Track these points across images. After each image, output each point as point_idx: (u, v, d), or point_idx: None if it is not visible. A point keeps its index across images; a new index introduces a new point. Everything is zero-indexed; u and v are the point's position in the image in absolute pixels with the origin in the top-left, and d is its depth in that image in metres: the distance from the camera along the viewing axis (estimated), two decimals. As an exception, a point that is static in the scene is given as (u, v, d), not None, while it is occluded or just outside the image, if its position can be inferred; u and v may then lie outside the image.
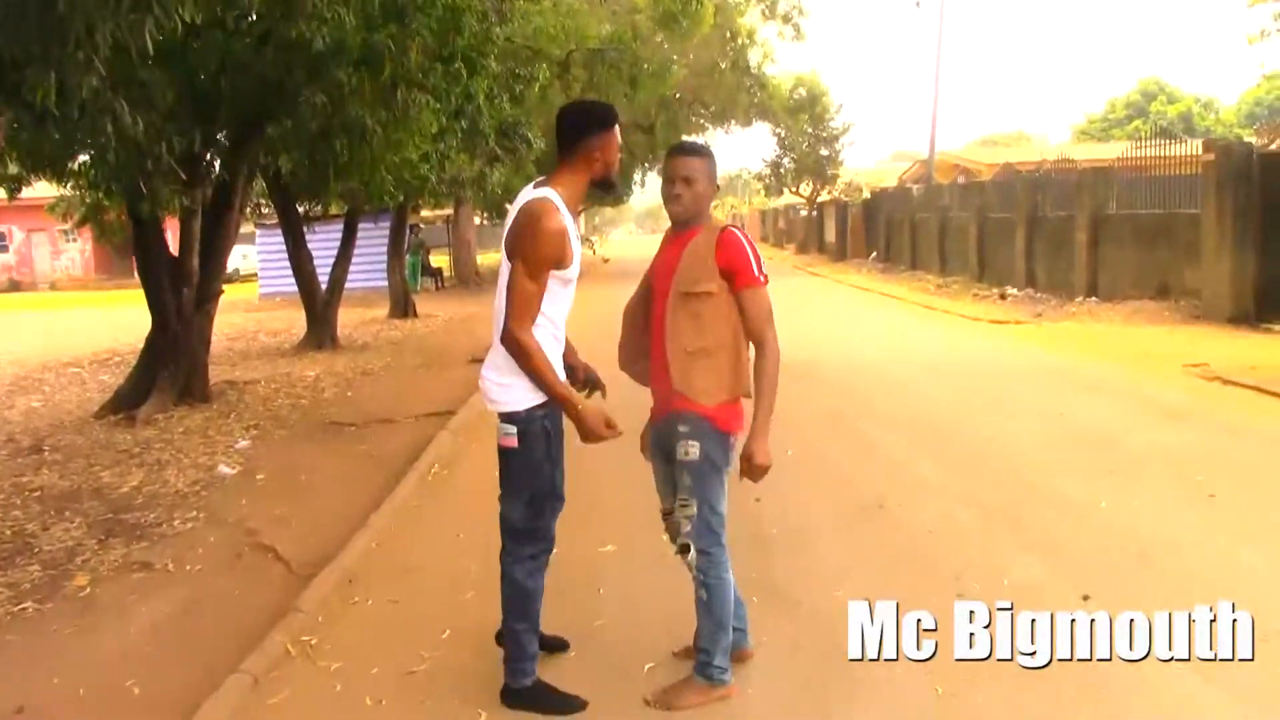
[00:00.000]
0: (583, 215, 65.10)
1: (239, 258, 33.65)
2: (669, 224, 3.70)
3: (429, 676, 3.90)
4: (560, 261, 3.34)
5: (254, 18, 7.37)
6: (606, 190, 3.59)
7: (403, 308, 19.41)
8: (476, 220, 30.80)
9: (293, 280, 15.66)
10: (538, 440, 3.43)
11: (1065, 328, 14.76)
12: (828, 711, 3.54)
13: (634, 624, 4.29)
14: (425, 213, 28.67)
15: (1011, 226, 20.61)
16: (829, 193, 42.48)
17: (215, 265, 9.93)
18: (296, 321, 16.59)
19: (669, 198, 3.54)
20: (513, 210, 3.45)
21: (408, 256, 22.41)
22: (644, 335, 3.67)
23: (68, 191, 11.45)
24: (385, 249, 20.22)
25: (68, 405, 10.52)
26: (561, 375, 3.43)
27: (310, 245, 15.51)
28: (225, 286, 10.79)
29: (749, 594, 4.03)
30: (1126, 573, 4.71)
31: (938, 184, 30.39)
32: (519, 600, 3.55)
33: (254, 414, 9.46)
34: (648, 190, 46.96)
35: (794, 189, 44.43)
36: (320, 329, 14.90)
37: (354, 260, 16.72)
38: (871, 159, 70.46)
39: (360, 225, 16.82)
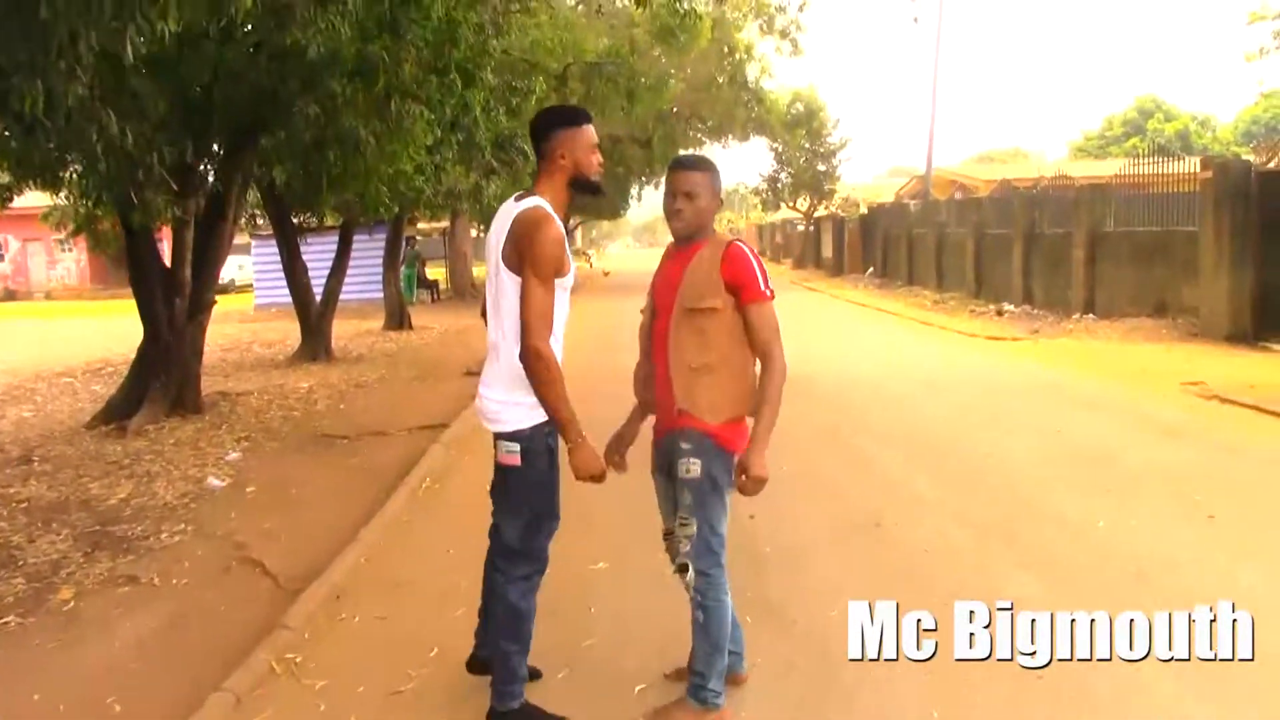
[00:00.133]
0: (579, 229, 65.22)
1: (235, 268, 33.63)
2: (668, 238, 3.65)
3: (415, 696, 3.84)
4: (561, 268, 3.28)
5: (249, 28, 7.34)
6: (587, 191, 3.47)
7: (398, 319, 19.36)
8: (473, 233, 30.76)
9: (288, 291, 15.61)
10: (540, 458, 3.37)
11: (1062, 344, 14.73)
12: (822, 734, 3.48)
13: (625, 644, 4.22)
14: (421, 225, 28.65)
15: (1009, 243, 20.60)
16: (826, 208, 42.58)
17: (208, 276, 9.87)
18: (291, 333, 16.53)
19: (670, 213, 3.48)
20: (500, 223, 3.37)
21: (403, 268, 22.38)
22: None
23: (61, 201, 11.39)
24: (381, 260, 20.19)
25: (59, 415, 10.45)
26: None
27: (306, 256, 15.44)
28: (221, 297, 10.74)
29: (743, 613, 3.96)
30: (1124, 592, 4.65)
31: (935, 200, 30.42)
32: (512, 621, 3.48)
33: (246, 426, 9.39)
34: (645, 204, 47.04)
35: (791, 204, 44.51)
36: (314, 340, 14.83)
37: (349, 272, 16.66)
38: (869, 174, 70.70)
39: (356, 237, 16.79)
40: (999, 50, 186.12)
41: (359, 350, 16.12)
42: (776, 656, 4.03)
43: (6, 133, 5.67)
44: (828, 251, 38.49)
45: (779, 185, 43.21)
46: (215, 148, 9.34)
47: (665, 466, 3.55)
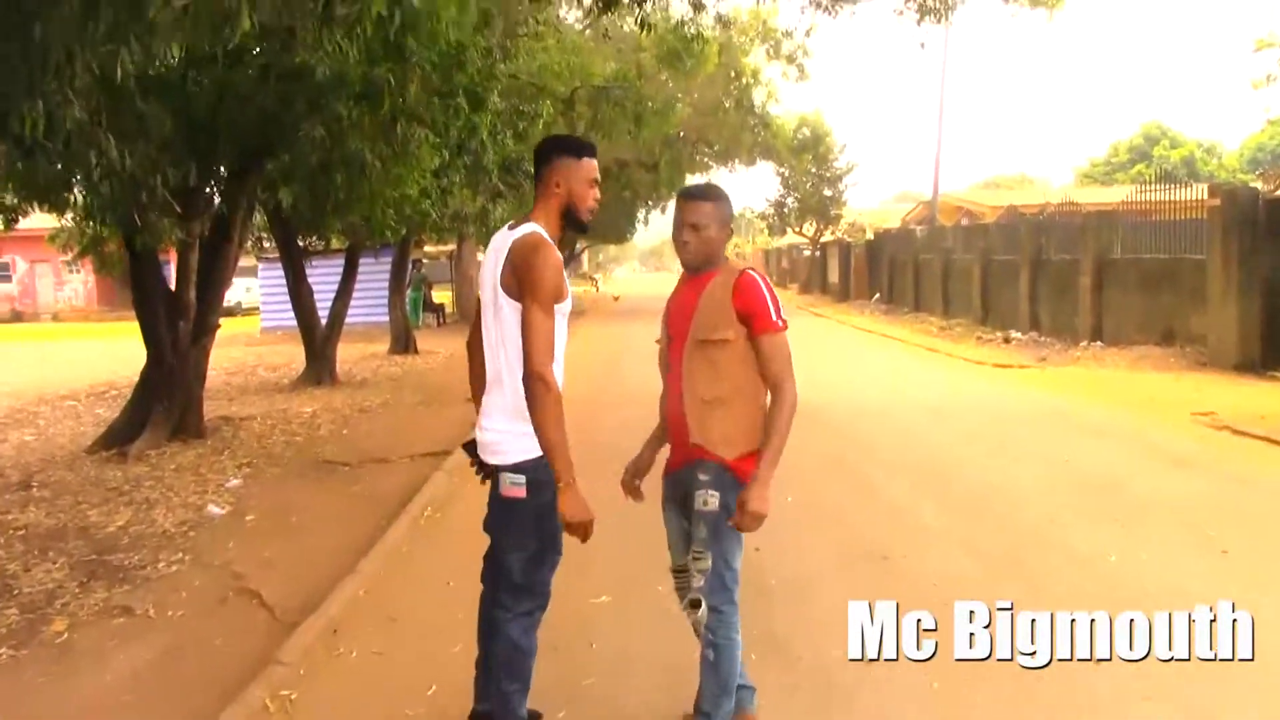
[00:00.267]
0: (585, 253, 65.30)
1: (242, 291, 33.72)
2: (675, 263, 3.59)
3: (412, 736, 3.75)
4: (560, 294, 3.22)
5: (256, 50, 7.33)
6: (574, 227, 3.40)
7: (404, 343, 19.32)
8: (479, 256, 30.77)
9: (294, 314, 15.58)
10: (545, 489, 3.26)
11: (1070, 372, 14.64)
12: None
13: (627, 682, 4.14)
14: (428, 248, 28.69)
15: (1015, 269, 20.55)
16: (832, 233, 42.56)
17: (212, 299, 9.82)
18: (297, 356, 16.47)
19: (678, 245, 3.44)
20: (496, 253, 3.32)
21: (409, 292, 22.35)
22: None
23: (67, 222, 11.39)
24: (387, 284, 20.17)
25: (61, 439, 10.39)
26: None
27: (312, 279, 15.42)
28: (227, 319, 10.70)
29: (747, 648, 3.85)
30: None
31: (941, 225, 30.42)
32: (513, 659, 3.39)
33: (248, 451, 9.33)
34: (651, 228, 47.10)
35: (797, 229, 44.55)
36: (319, 364, 14.78)
37: (356, 295, 16.63)
38: (875, 199, 70.64)
39: (362, 260, 16.76)
40: (1005, 76, 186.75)
41: (364, 374, 16.07)
42: (782, 692, 3.94)
43: (8, 155, 5.62)
44: (834, 277, 38.48)
45: (785, 210, 43.27)
46: (220, 170, 9.31)
47: (680, 499, 3.47)
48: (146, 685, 4.29)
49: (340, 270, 16.26)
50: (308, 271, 15.22)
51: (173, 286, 9.81)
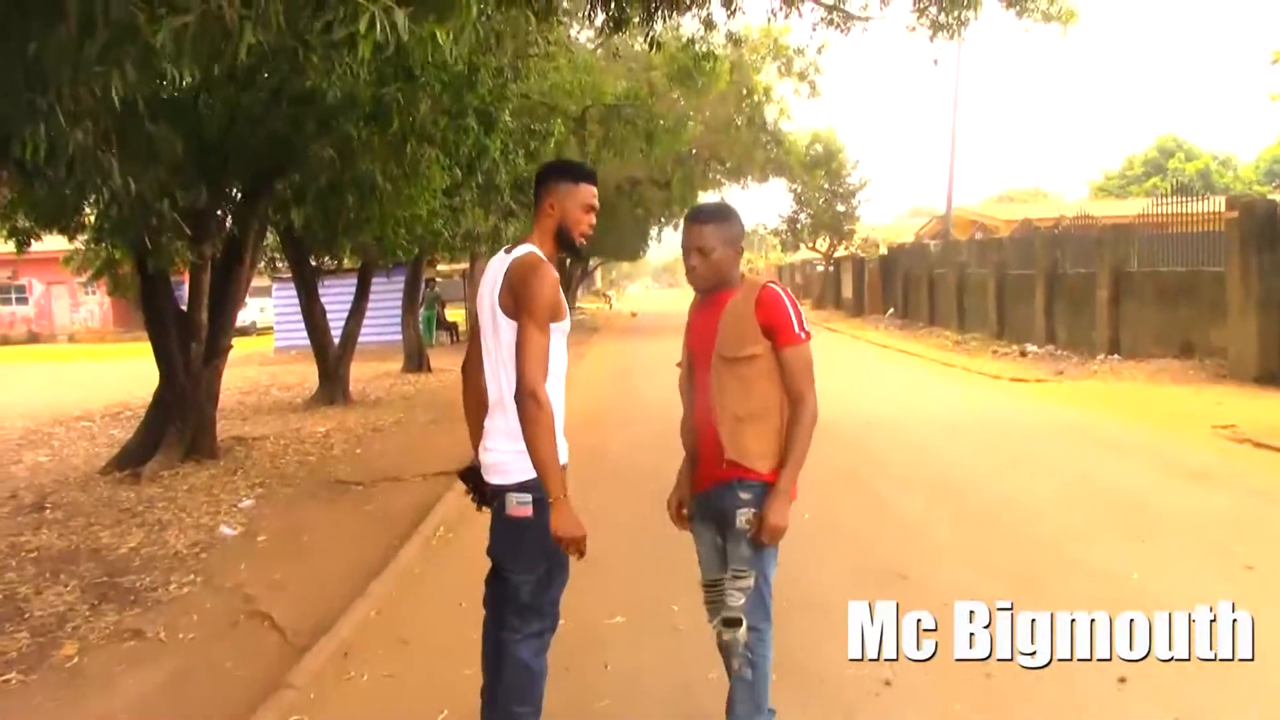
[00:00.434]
0: (599, 270, 65.38)
1: (256, 310, 33.86)
2: (685, 280, 3.56)
3: (423, 761, 3.69)
4: (557, 313, 3.22)
5: (267, 74, 7.34)
6: (566, 249, 3.39)
7: (417, 362, 19.34)
8: (493, 275, 30.76)
9: (307, 334, 15.60)
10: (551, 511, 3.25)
11: (1088, 386, 14.52)
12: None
13: (641, 704, 4.07)
14: (441, 266, 28.70)
15: (1031, 283, 20.45)
16: (846, 248, 42.47)
17: (225, 320, 9.83)
18: (310, 376, 16.48)
19: (687, 270, 3.42)
20: (493, 275, 3.31)
21: (423, 310, 22.39)
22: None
23: (81, 245, 11.44)
24: (400, 303, 20.19)
25: (75, 460, 10.41)
26: (562, 444, 3.24)
27: (325, 299, 15.46)
28: (242, 339, 10.71)
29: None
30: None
31: (955, 240, 30.33)
32: (523, 682, 3.33)
33: (260, 471, 9.31)
34: (665, 245, 47.13)
35: (811, 244, 44.47)
36: (332, 384, 14.79)
37: (369, 314, 16.65)
38: (888, 215, 70.54)
39: (375, 279, 16.79)
40: (1018, 90, 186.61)
41: (377, 393, 16.06)
42: (802, 714, 3.87)
43: (14, 181, 5.63)
44: (848, 292, 38.42)
45: (798, 226, 43.18)
46: (231, 192, 9.33)
47: (712, 517, 3.43)
48: (155, 710, 4.25)
49: (353, 289, 16.28)
50: (320, 291, 15.25)
51: (185, 308, 9.82)
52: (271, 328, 27.71)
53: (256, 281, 30.55)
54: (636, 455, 4.23)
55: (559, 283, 3.24)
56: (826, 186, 40.82)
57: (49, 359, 27.55)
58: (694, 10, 11.93)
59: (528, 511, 3.23)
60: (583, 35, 18.86)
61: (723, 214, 3.42)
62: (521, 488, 3.23)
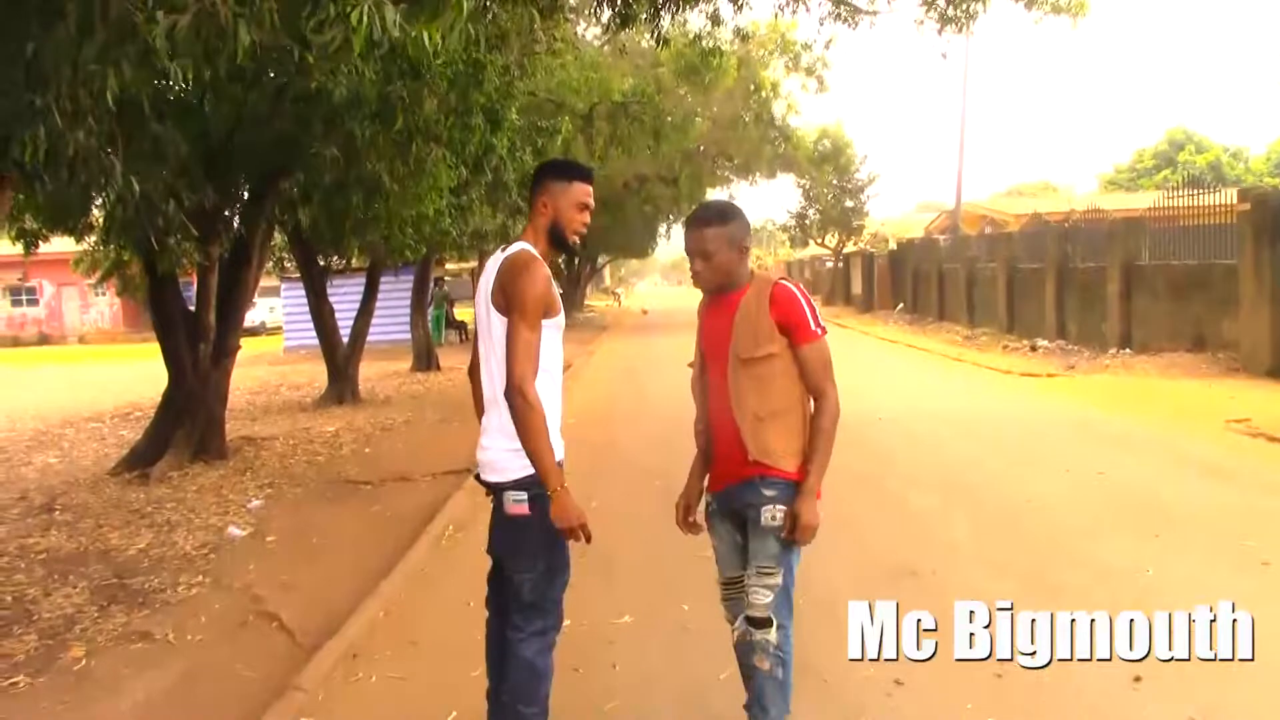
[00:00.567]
0: (607, 267, 65.34)
1: (266, 310, 33.92)
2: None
3: (431, 763, 3.67)
4: (549, 309, 3.22)
5: (272, 74, 7.32)
6: (559, 247, 3.38)
7: (425, 361, 19.34)
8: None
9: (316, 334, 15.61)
10: (550, 504, 3.21)
11: (1099, 381, 14.44)
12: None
13: (651, 704, 4.04)
14: (450, 265, 28.74)
15: (1041, 277, 20.35)
16: (855, 244, 42.39)
17: (233, 320, 9.83)
18: (320, 375, 16.49)
19: (692, 274, 3.40)
20: (489, 273, 3.32)
21: (431, 309, 22.38)
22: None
23: (90, 246, 11.45)
24: (409, 302, 20.20)
25: (84, 461, 10.41)
26: (558, 442, 3.24)
27: (334, 298, 15.45)
28: (252, 339, 10.72)
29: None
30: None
31: (965, 235, 30.21)
32: (528, 681, 3.32)
33: (269, 471, 9.30)
34: (673, 242, 47.05)
35: (819, 240, 44.38)
36: (341, 383, 14.79)
37: (378, 313, 16.66)
38: (897, 210, 70.47)
39: (383, 278, 16.79)
40: (1027, 83, 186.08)
41: (386, 392, 16.07)
42: (813, 716, 3.83)
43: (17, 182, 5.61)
44: (857, 288, 38.31)
45: (807, 222, 43.10)
46: (239, 192, 9.32)
47: (731, 514, 3.41)
48: (161, 714, 4.23)
49: (361, 289, 16.29)
50: (329, 291, 15.25)
51: (193, 308, 9.82)
52: (281, 327, 27.76)
53: (266, 281, 30.60)
54: (645, 453, 4.21)
55: (550, 279, 3.23)
56: (835, 182, 40.73)
57: (60, 360, 27.64)
58: (701, 6, 11.90)
59: (524, 509, 3.24)
60: (589, 32, 18.84)
61: (722, 215, 3.36)
62: (517, 485, 3.24)
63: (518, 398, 3.10)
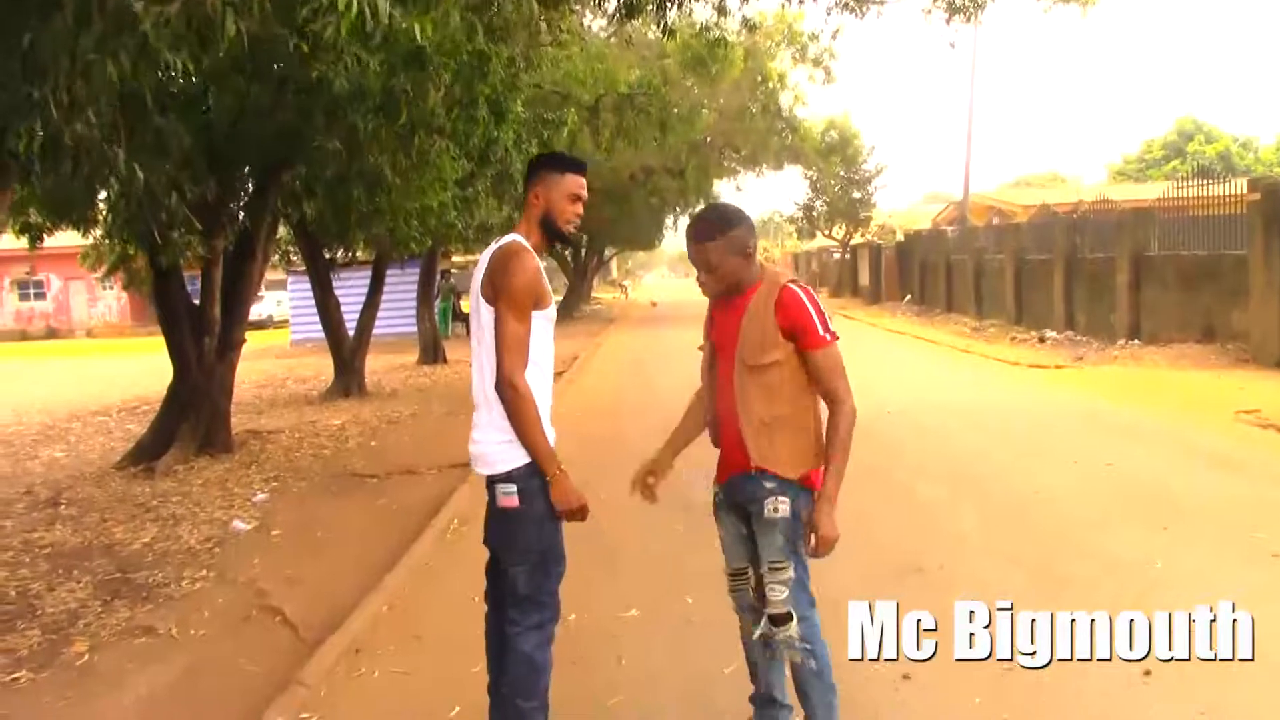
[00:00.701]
0: (614, 260, 65.26)
1: (273, 304, 33.94)
2: None
3: (434, 759, 3.64)
4: (540, 301, 3.21)
5: (277, 65, 7.28)
6: (554, 238, 3.38)
7: (432, 354, 19.33)
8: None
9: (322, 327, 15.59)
10: (539, 496, 3.23)
11: (1108, 372, 14.37)
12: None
13: (656, 701, 4.01)
14: (456, 258, 28.71)
15: (1049, 268, 20.26)
16: (862, 235, 42.27)
17: (237, 314, 9.81)
18: (326, 368, 16.49)
19: (698, 283, 3.36)
20: (482, 262, 3.32)
21: (438, 302, 22.37)
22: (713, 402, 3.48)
23: (95, 240, 11.44)
24: (415, 295, 20.18)
25: (91, 455, 10.42)
26: (549, 430, 3.24)
27: (341, 291, 15.44)
28: (259, 332, 10.70)
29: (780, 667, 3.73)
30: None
31: (973, 226, 30.11)
32: (527, 675, 3.30)
33: (275, 465, 9.29)
34: (680, 234, 46.96)
35: (827, 232, 44.26)
36: (347, 376, 14.79)
37: (385, 306, 16.64)
38: (904, 201, 70.04)
39: (389, 271, 16.77)
40: (1035, 73, 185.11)
41: (393, 385, 16.06)
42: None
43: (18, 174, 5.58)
44: (864, 279, 38.23)
45: (814, 213, 42.99)
46: (242, 185, 9.29)
47: (736, 506, 3.38)
48: (164, 709, 4.22)
49: (367, 282, 16.28)
50: (335, 284, 15.23)
51: (198, 302, 9.81)
52: (288, 321, 27.78)
53: (272, 275, 30.65)
54: (652, 446, 4.12)
55: (539, 270, 3.23)
56: (842, 173, 40.57)
57: (67, 354, 27.71)
58: (706, -4, 11.82)
59: (515, 502, 3.24)
60: (595, 24, 18.75)
61: (720, 226, 3.25)
62: (507, 478, 3.24)
63: (508, 390, 3.12)
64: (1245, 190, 14.70)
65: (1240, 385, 11.89)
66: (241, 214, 9.63)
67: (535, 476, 3.21)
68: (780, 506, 3.21)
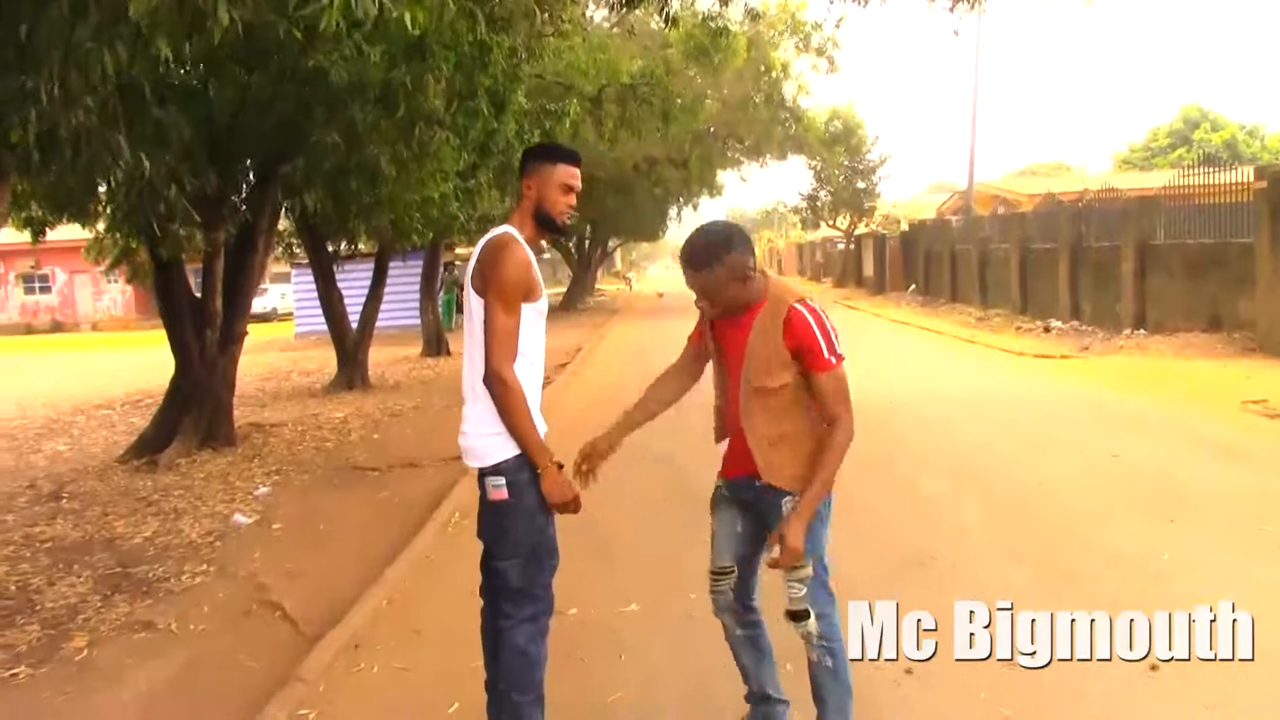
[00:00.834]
0: (618, 251, 65.17)
1: (277, 296, 33.92)
2: None
3: (432, 756, 3.62)
4: (530, 293, 3.19)
5: (277, 56, 7.23)
6: (548, 229, 3.36)
7: (435, 346, 19.32)
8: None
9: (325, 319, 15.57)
10: (529, 490, 3.21)
11: (1114, 362, 14.31)
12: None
13: (658, 698, 3.98)
14: (460, 250, 28.66)
15: (1054, 258, 20.17)
16: (866, 225, 42.14)
17: (239, 306, 9.78)
18: (330, 361, 16.48)
19: (696, 305, 3.32)
20: (475, 254, 3.30)
21: (441, 294, 22.33)
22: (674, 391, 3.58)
23: (98, 233, 11.41)
24: (418, 287, 20.15)
25: (94, 449, 10.42)
26: (540, 423, 3.22)
27: (344, 284, 15.42)
28: (263, 325, 10.68)
29: (781, 661, 3.70)
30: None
31: (977, 215, 29.98)
32: (521, 669, 3.29)
33: (277, 458, 9.28)
34: (684, 225, 46.88)
35: (831, 222, 44.12)
36: (351, 369, 14.77)
37: (388, 299, 16.61)
38: (909, 191, 70.09)
39: (392, 264, 16.73)
40: (1040, 62, 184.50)
41: (396, 378, 16.04)
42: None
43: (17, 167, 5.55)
44: (869, 269, 38.12)
45: (818, 203, 42.84)
46: (242, 177, 9.25)
47: (742, 503, 3.36)
48: (163, 704, 4.20)
49: (370, 274, 16.24)
50: (338, 276, 15.20)
51: (200, 295, 9.78)
52: (292, 313, 27.77)
53: (277, 268, 30.50)
54: (653, 439, 4.10)
55: (530, 262, 3.21)
56: (846, 163, 40.40)
57: (72, 347, 27.73)
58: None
59: (504, 494, 3.23)
60: (597, 14, 18.67)
61: (715, 252, 3.15)
62: (495, 471, 3.23)
63: (497, 384, 3.12)
64: (1252, 178, 14.61)
65: (1247, 374, 11.82)
66: (243, 206, 9.58)
67: (525, 469, 3.19)
68: (796, 504, 3.18)
